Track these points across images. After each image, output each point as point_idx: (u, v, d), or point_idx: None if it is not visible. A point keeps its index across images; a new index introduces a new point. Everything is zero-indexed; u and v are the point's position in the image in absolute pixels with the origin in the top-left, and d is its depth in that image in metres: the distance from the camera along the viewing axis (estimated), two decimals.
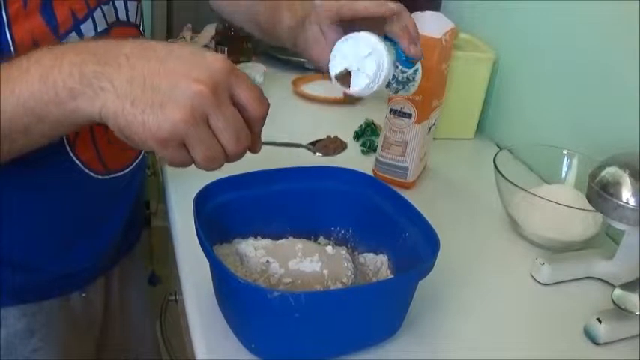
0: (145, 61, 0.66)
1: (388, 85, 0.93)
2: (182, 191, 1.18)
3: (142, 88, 0.64)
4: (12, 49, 0.78)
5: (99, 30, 0.89)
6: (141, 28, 1.02)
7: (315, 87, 1.76)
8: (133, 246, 1.22)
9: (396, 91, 0.96)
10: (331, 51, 0.90)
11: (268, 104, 0.71)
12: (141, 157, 1.07)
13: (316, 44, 0.96)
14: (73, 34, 0.85)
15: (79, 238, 1.01)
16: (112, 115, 0.65)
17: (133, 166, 1.04)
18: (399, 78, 0.94)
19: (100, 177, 0.97)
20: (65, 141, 0.89)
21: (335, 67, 0.90)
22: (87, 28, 0.87)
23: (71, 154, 0.91)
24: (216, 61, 0.66)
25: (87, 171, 0.95)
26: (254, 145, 0.74)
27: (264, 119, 0.71)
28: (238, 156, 0.71)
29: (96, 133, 0.93)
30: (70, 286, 1.04)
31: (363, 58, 0.87)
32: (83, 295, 1.07)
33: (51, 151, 0.77)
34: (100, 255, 1.07)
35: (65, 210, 0.96)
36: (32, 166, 0.86)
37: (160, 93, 0.64)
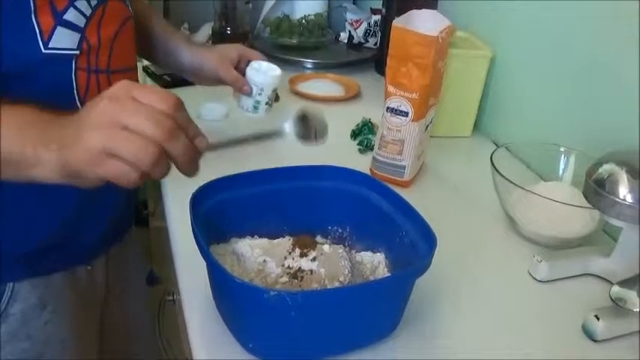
0: (71, 119, 0.75)
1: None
2: (179, 191, 1.18)
3: (68, 135, 0.73)
4: None
5: (93, 5, 0.95)
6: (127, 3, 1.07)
7: (312, 85, 1.75)
8: (130, 224, 1.29)
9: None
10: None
11: (176, 98, 0.75)
12: None
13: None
14: (71, 10, 0.92)
15: (85, 209, 1.04)
16: (56, 172, 0.75)
17: None
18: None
19: None
20: (75, 95, 0.96)
21: None
22: (81, 3, 0.93)
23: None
24: (114, 86, 0.74)
25: None
26: (195, 138, 0.77)
27: (174, 112, 0.73)
28: (177, 149, 0.73)
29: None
30: (76, 259, 1.09)
31: None
32: (88, 267, 1.12)
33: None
34: (103, 227, 1.12)
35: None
36: None
37: (80, 127, 0.72)
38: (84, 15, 0.94)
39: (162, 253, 1.70)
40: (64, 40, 0.91)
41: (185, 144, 0.74)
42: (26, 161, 0.75)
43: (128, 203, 1.21)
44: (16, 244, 0.99)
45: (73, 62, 0.94)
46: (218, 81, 1.32)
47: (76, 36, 0.93)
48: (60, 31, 0.91)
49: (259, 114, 1.32)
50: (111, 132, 0.70)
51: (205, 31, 1.96)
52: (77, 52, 0.93)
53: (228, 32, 1.83)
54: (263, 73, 1.33)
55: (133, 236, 1.32)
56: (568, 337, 0.95)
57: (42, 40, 0.89)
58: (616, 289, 0.96)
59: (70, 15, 0.92)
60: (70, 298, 1.09)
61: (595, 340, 0.93)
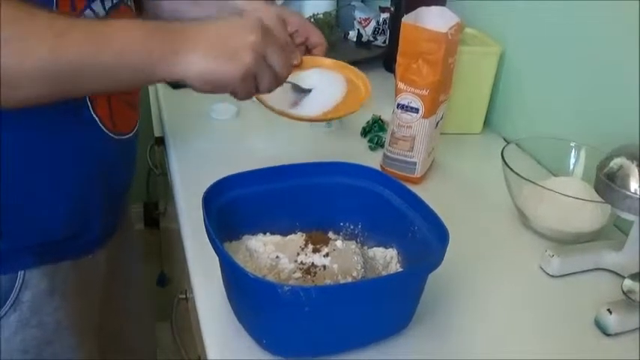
0: (209, 32, 0.88)
1: None
2: (191, 189, 1.19)
3: (216, 48, 0.87)
4: None
5: (107, 7, 0.97)
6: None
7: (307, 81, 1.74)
8: (128, 213, 1.32)
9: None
10: None
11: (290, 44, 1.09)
12: (137, 124, 1.15)
13: None
14: (88, 11, 0.93)
15: (90, 197, 1.06)
16: (196, 72, 0.86)
17: (135, 130, 1.13)
18: None
19: (111, 135, 1.04)
20: (87, 98, 0.98)
21: None
22: (96, 4, 0.96)
23: (91, 110, 0.98)
24: (251, 20, 0.91)
25: (102, 127, 1.01)
26: (296, 60, 1.09)
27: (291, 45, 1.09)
28: (289, 71, 0.97)
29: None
30: (81, 247, 1.09)
31: None
32: (90, 256, 1.12)
33: (74, 106, 0.95)
34: (108, 216, 1.13)
35: (81, 166, 1.01)
36: (56, 121, 0.94)
37: (229, 48, 0.87)
38: (98, 17, 0.94)
39: (173, 254, 1.71)
40: None
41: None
42: (170, 59, 0.85)
43: (128, 192, 1.23)
44: (28, 235, 1.00)
45: None
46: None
47: None
48: None
49: None
50: (261, 61, 0.89)
51: None
52: None
53: None
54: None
55: (130, 221, 1.36)
56: (581, 332, 0.95)
57: None
58: (628, 283, 0.96)
59: (87, 15, 0.93)
60: (76, 284, 1.09)
61: (608, 334, 0.93)
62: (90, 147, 1.01)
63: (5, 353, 1.01)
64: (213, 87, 0.89)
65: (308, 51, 1.17)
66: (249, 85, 0.91)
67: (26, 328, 1.03)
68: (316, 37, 1.18)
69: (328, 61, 1.19)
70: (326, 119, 1.15)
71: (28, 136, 0.93)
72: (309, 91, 1.12)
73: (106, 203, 1.11)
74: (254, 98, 0.99)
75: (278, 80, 0.95)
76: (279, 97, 1.05)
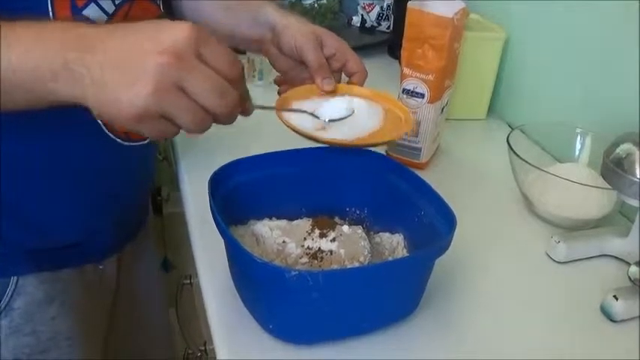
0: (116, 42, 0.68)
1: None
2: (195, 174, 1.18)
3: (112, 71, 0.66)
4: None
5: (117, 2, 0.91)
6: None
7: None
8: (144, 224, 1.26)
9: None
10: None
11: (241, 66, 0.72)
12: None
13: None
14: (92, 5, 0.87)
15: (96, 204, 1.03)
16: (90, 99, 0.68)
17: None
18: None
19: (120, 141, 0.99)
20: None
21: None
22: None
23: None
24: (180, 30, 0.67)
25: (109, 134, 0.97)
26: (242, 106, 0.76)
27: (239, 80, 0.71)
28: (227, 115, 0.72)
29: None
30: (85, 257, 1.06)
31: None
32: (100, 267, 1.10)
33: (77, 113, 0.77)
34: (114, 225, 1.10)
35: (83, 172, 0.98)
36: (60, 128, 0.89)
37: (130, 73, 0.65)
38: (105, 12, 0.90)
39: (176, 239, 1.71)
40: None
41: (237, 114, 0.73)
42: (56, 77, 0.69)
43: (145, 201, 1.19)
44: (25, 240, 0.98)
45: None
46: (293, 57, 1.10)
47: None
48: None
49: None
50: (168, 95, 0.66)
51: None
52: None
53: None
54: None
55: (148, 231, 1.30)
56: (587, 318, 0.95)
57: None
58: (634, 269, 0.96)
59: (90, 11, 0.87)
60: (79, 293, 1.07)
61: (614, 321, 0.93)
62: (93, 153, 0.98)
63: None
64: (109, 122, 0.75)
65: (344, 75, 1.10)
66: (159, 126, 0.69)
67: (17, 335, 1.00)
68: (355, 65, 1.09)
69: (366, 90, 1.10)
70: (361, 144, 0.99)
71: (28, 138, 0.90)
72: (340, 119, 1.01)
73: (116, 212, 1.08)
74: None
75: (211, 118, 0.71)
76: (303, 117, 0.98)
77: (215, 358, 0.84)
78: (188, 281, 1.33)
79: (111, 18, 0.91)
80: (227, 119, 0.72)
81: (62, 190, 0.97)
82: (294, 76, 1.12)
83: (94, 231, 1.05)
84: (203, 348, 1.28)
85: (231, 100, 0.70)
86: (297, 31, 1.06)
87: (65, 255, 1.03)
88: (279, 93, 1.12)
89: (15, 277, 0.98)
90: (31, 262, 0.99)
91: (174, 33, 0.66)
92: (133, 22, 0.70)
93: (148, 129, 0.68)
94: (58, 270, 1.02)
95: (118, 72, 0.66)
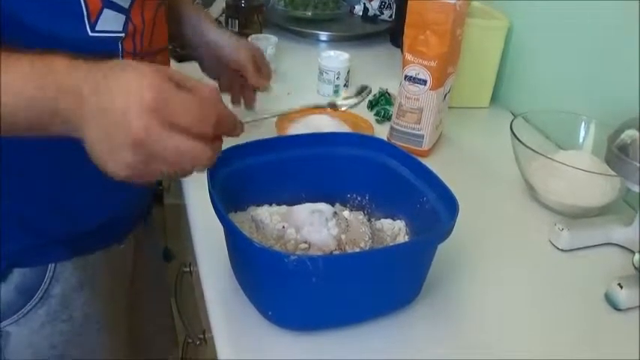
0: (91, 123, 0.70)
1: None
2: None
3: (95, 145, 0.71)
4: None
5: None
6: None
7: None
8: (151, 204, 1.28)
9: None
10: None
11: (217, 97, 0.72)
12: None
13: None
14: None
15: (119, 182, 1.02)
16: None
17: None
18: None
19: None
20: None
21: None
22: None
23: None
24: (143, 102, 0.66)
25: None
26: (232, 132, 0.76)
27: (214, 126, 0.70)
28: (206, 167, 0.73)
29: None
30: (110, 237, 1.08)
31: None
32: (121, 246, 1.11)
33: None
34: (133, 201, 1.11)
35: None
36: None
37: (113, 140, 0.68)
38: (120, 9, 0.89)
39: (177, 230, 1.70)
40: (110, 23, 0.87)
41: (209, 159, 0.72)
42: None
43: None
44: (60, 227, 0.98)
45: (120, 45, 0.90)
46: (233, 65, 1.21)
47: (122, 18, 0.89)
48: (106, 13, 0.86)
49: (340, 95, 1.27)
50: (145, 167, 0.69)
51: (219, 4, 1.94)
52: (123, 34, 0.89)
53: (243, 5, 1.81)
54: (335, 59, 1.55)
55: (152, 215, 1.31)
56: (591, 306, 0.94)
57: (89, 22, 0.85)
58: (638, 258, 0.95)
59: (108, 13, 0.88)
60: (105, 277, 1.08)
61: (618, 309, 0.92)
62: None
63: (32, 349, 1.00)
64: None
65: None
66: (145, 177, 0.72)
67: (55, 322, 1.01)
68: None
69: (329, 111, 1.20)
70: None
71: None
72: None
73: (138, 195, 1.10)
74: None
75: (186, 168, 0.73)
76: None
77: (214, 346, 0.83)
78: (188, 269, 1.33)
79: (133, 1, 0.90)
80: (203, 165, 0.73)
81: (89, 173, 0.97)
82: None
83: (119, 209, 1.06)
84: (202, 336, 1.28)
85: (207, 159, 0.70)
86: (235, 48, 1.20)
87: (96, 237, 1.04)
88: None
89: (52, 265, 0.99)
90: (67, 248, 1.00)
91: (138, 110, 0.66)
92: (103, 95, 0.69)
93: (135, 179, 0.71)
94: (90, 253, 1.04)
95: (99, 146, 0.70)
